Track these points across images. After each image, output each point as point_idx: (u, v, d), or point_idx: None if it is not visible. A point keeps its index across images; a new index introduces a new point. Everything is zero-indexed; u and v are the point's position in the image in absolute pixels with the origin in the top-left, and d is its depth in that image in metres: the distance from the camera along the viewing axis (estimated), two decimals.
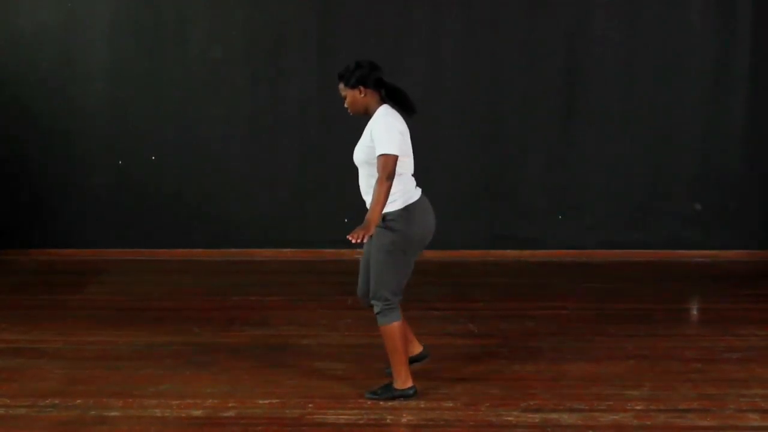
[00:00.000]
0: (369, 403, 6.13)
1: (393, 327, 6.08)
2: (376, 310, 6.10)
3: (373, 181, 5.93)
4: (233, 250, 10.82)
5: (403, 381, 6.16)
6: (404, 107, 6.10)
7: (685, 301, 9.12)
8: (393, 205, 5.97)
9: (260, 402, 6.19)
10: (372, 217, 5.76)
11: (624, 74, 10.69)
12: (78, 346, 7.45)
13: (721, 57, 10.66)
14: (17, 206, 10.88)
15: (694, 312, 8.89)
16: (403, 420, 5.89)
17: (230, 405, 6.13)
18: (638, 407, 6.08)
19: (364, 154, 6.00)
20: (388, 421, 5.88)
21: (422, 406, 6.09)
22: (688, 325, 8.40)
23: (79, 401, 6.21)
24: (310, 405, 6.12)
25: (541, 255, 10.73)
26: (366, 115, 6.12)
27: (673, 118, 10.73)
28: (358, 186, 6.16)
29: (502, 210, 10.83)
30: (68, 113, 10.77)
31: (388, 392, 6.17)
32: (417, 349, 6.53)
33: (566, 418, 5.90)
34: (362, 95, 6.06)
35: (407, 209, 6.00)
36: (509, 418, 5.90)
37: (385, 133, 5.88)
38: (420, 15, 10.71)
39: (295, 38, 10.71)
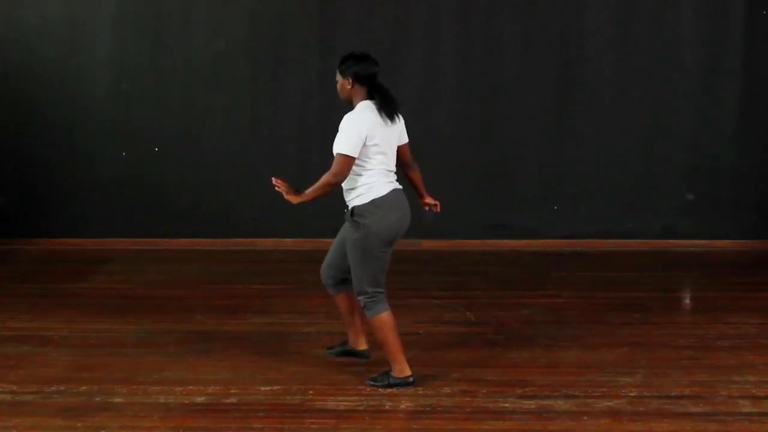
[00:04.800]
0: (368, 389, 6.21)
1: (379, 319, 6.18)
2: (361, 304, 6.26)
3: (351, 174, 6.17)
4: (235, 239, 10.85)
5: (400, 370, 6.23)
6: (385, 111, 6.18)
7: (678, 290, 9.21)
8: (360, 198, 6.16)
9: (261, 389, 6.26)
10: (305, 194, 6.17)
11: (618, 66, 10.74)
12: (83, 333, 7.53)
13: (713, 49, 10.72)
14: (23, 197, 10.91)
15: (687, 300, 8.97)
16: (402, 406, 5.96)
17: (232, 391, 6.21)
18: (632, 394, 6.15)
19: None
20: (386, 407, 5.96)
21: (420, 392, 6.16)
22: (681, 313, 8.49)
23: (84, 388, 6.27)
24: (310, 392, 6.19)
25: (536, 245, 10.78)
26: (349, 105, 6.29)
27: (666, 109, 10.79)
28: None
29: (498, 201, 10.90)
30: (73, 105, 10.82)
31: (386, 380, 6.25)
32: (362, 345, 6.66)
33: (561, 404, 5.97)
34: (350, 86, 6.22)
35: (374, 203, 6.13)
36: (506, 405, 5.97)
37: (346, 132, 6.09)
38: (418, 7, 10.77)
39: (297, 31, 10.77)
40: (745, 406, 5.99)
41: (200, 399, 6.11)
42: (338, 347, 6.77)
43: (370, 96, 6.23)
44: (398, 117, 6.30)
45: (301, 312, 8.12)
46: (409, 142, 6.48)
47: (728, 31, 10.67)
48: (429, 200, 6.68)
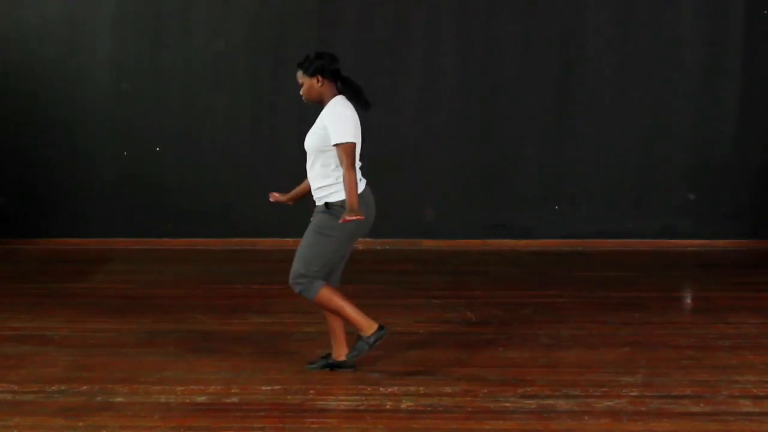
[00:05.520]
0: (369, 389, 6.18)
1: (323, 293, 6.23)
2: (297, 289, 6.27)
3: (324, 170, 6.11)
4: (236, 239, 10.89)
5: (369, 326, 6.26)
6: (358, 101, 6.22)
7: (679, 290, 9.20)
8: (337, 195, 6.11)
9: (262, 388, 6.24)
10: (352, 203, 5.92)
11: (618, 66, 10.77)
12: (84, 333, 7.52)
13: (713, 49, 10.74)
14: (24, 197, 10.95)
15: (687, 300, 8.97)
16: (403, 406, 5.94)
17: (233, 391, 6.19)
18: (633, 393, 6.14)
19: (316, 142, 6.11)
20: (387, 407, 5.93)
21: (421, 392, 6.15)
22: (682, 313, 8.49)
23: (85, 387, 6.25)
24: (311, 391, 6.17)
25: (536, 244, 10.81)
26: (319, 105, 6.25)
27: (667, 109, 10.82)
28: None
29: (498, 201, 10.92)
30: (73, 105, 10.85)
31: (363, 345, 6.28)
32: (343, 356, 6.55)
33: (562, 404, 5.96)
34: (319, 84, 6.19)
35: None
36: (506, 404, 5.96)
37: (341, 122, 6.02)
38: (418, 7, 10.79)
39: (297, 31, 10.80)
40: (746, 406, 5.97)
41: (201, 399, 6.09)
42: (320, 361, 6.65)
43: (339, 92, 6.22)
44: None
45: (301, 312, 8.08)
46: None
47: (728, 32, 10.69)
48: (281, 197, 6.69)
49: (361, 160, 6.24)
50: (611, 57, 10.78)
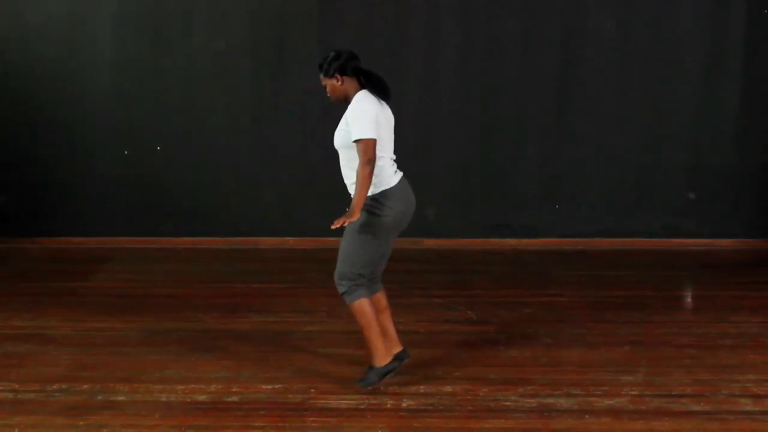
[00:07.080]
0: (370, 388, 6.22)
1: (362, 303, 6.12)
2: (341, 290, 6.16)
3: (353, 165, 6.05)
4: (237, 238, 10.89)
5: (383, 356, 6.19)
6: (380, 92, 6.18)
7: (680, 289, 9.20)
8: (369, 190, 6.04)
9: (263, 387, 6.26)
10: (356, 204, 5.88)
11: (618, 66, 10.77)
12: (85, 332, 7.54)
13: (713, 49, 10.73)
14: (25, 195, 10.95)
15: (688, 299, 8.98)
16: (403, 405, 5.96)
17: (234, 390, 6.21)
18: (633, 392, 6.16)
19: (342, 138, 6.09)
20: (388, 405, 5.95)
21: (422, 390, 6.17)
22: (682, 312, 8.47)
23: (86, 386, 6.28)
24: (312, 390, 6.20)
25: (537, 244, 10.81)
26: (346, 103, 6.21)
27: (668, 108, 10.81)
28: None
29: (499, 200, 10.92)
30: (75, 104, 10.85)
31: (374, 374, 6.20)
32: (397, 348, 6.46)
33: (563, 402, 5.98)
34: (340, 83, 6.17)
35: (384, 194, 6.07)
36: (507, 403, 5.98)
37: (360, 118, 5.97)
38: (418, 7, 10.79)
39: (297, 31, 10.79)
40: (747, 405, 5.99)
41: (202, 397, 6.11)
42: (393, 369, 6.44)
43: (362, 86, 6.19)
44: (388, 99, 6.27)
45: (303, 311, 8.13)
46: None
47: (728, 32, 10.69)
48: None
49: (388, 151, 6.19)
50: (611, 57, 10.78)
